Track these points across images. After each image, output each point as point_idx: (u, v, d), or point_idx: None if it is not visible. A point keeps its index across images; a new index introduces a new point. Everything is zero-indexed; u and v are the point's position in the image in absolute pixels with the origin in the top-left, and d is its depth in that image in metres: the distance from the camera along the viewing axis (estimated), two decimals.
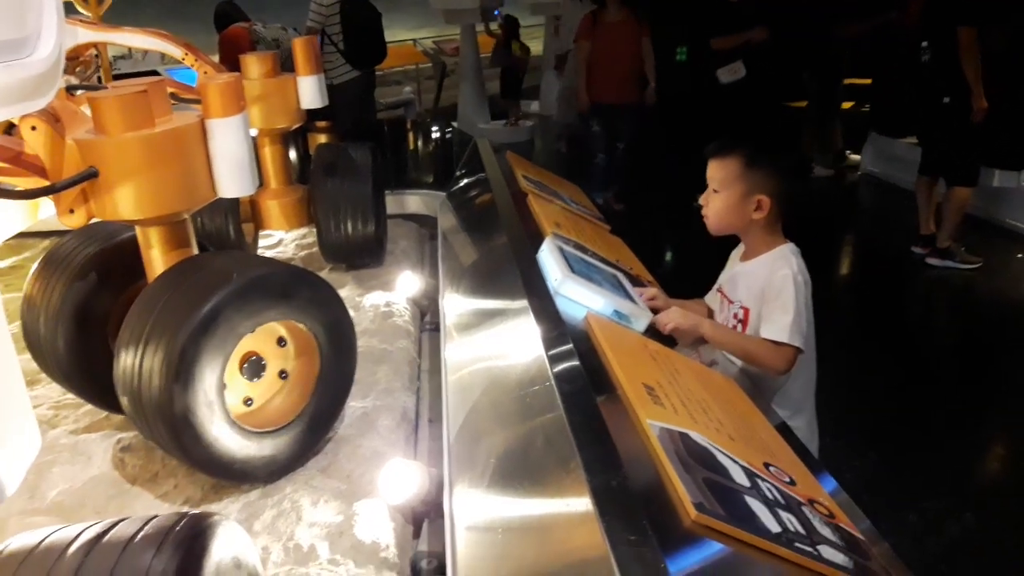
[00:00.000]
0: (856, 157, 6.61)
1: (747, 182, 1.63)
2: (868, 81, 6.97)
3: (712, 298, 1.87)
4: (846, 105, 6.81)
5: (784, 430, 1.51)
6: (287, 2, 6.56)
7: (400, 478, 1.57)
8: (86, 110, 1.64)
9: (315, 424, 1.69)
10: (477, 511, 1.32)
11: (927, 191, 4.66)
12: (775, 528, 1.00)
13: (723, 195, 1.64)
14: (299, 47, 2.73)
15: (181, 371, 1.45)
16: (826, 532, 1.08)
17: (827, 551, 1.02)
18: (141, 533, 0.78)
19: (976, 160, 4.49)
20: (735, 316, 1.73)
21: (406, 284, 2.70)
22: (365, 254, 2.88)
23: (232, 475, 1.59)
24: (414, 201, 3.59)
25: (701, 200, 1.68)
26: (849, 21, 6.06)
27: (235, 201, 2.80)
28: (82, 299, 1.79)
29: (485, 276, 2.18)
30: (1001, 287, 4.55)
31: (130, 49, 6.95)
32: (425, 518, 1.60)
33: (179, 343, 1.44)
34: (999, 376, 3.60)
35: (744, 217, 1.65)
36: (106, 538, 0.78)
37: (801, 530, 1.04)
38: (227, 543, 0.84)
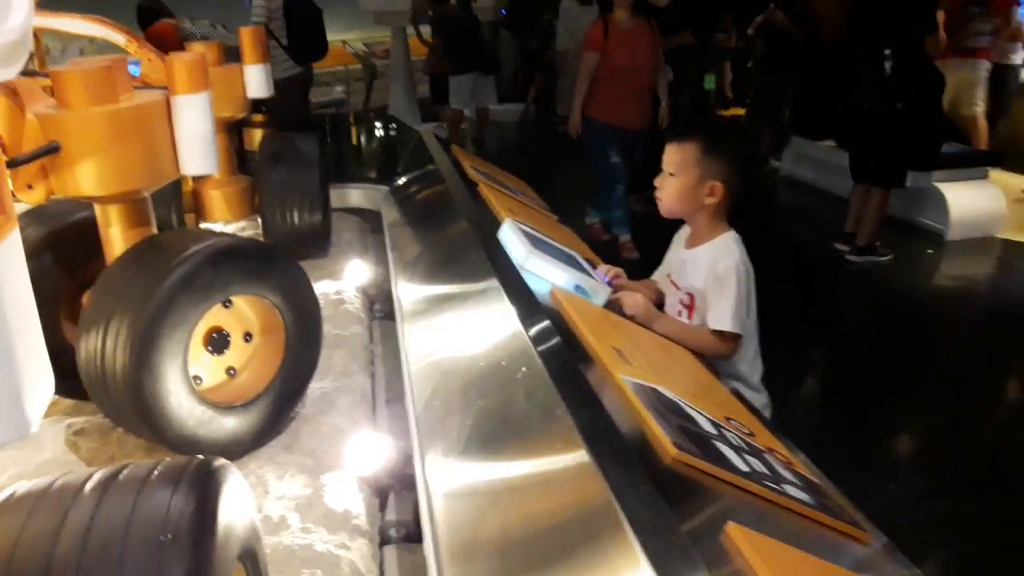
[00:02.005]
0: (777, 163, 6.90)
1: (702, 168, 1.71)
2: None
3: (661, 280, 1.96)
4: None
5: (738, 397, 1.59)
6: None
7: (367, 450, 1.60)
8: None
9: (281, 400, 1.69)
10: (454, 477, 1.35)
11: (864, 197, 4.91)
12: (744, 468, 1.08)
13: (678, 179, 1.72)
14: (246, 36, 2.72)
15: (145, 349, 1.43)
16: (787, 475, 1.16)
17: (791, 489, 1.10)
18: (155, 473, 0.80)
19: (904, 164, 4.77)
20: (681, 302, 1.82)
21: (354, 273, 2.71)
22: (311, 244, 2.87)
23: (199, 451, 1.58)
24: (356, 195, 3.59)
25: (656, 183, 1.76)
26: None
27: (178, 191, 2.76)
28: (33, 281, 1.76)
29: (442, 261, 2.22)
30: (913, 279, 4.84)
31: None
32: (391, 491, 1.62)
33: (143, 321, 1.43)
34: (916, 357, 3.85)
35: (696, 201, 1.73)
36: (120, 478, 0.79)
37: (766, 471, 1.12)
38: (236, 484, 0.86)
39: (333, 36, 9.82)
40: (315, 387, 1.89)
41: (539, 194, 3.19)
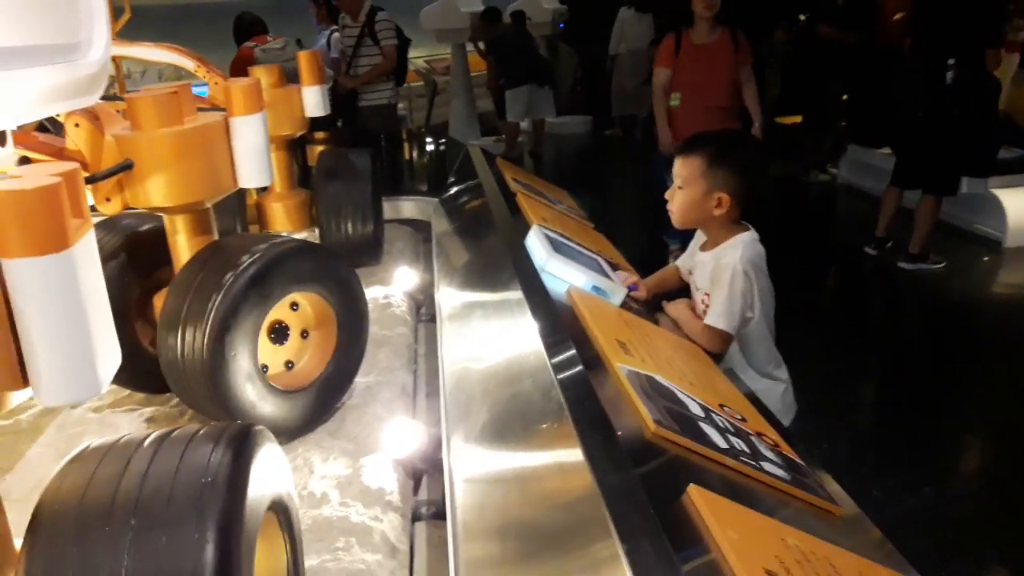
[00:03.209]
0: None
1: (709, 180, 1.79)
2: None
3: (684, 272, 2.07)
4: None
5: (752, 399, 1.68)
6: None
7: (403, 436, 1.76)
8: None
9: (334, 386, 1.90)
10: (472, 462, 1.50)
11: (895, 201, 4.91)
12: (724, 445, 1.19)
13: (687, 191, 1.82)
14: (304, 60, 2.93)
15: (222, 341, 1.60)
16: (769, 455, 1.27)
17: (769, 467, 1.21)
18: (201, 432, 0.96)
19: (958, 171, 4.76)
20: (702, 301, 1.92)
21: (403, 279, 2.89)
22: (364, 253, 3.06)
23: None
24: (408, 207, 3.78)
25: (667, 196, 1.87)
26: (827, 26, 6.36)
27: (243, 204, 2.99)
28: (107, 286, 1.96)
29: (477, 267, 2.38)
30: (969, 287, 4.80)
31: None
32: (424, 474, 1.78)
33: (220, 314, 1.60)
34: (970, 365, 3.84)
35: (705, 213, 1.83)
36: (172, 436, 0.95)
37: (747, 450, 1.23)
38: (269, 446, 1.02)
39: None
40: (360, 381, 2.06)
41: (588, 202, 3.33)
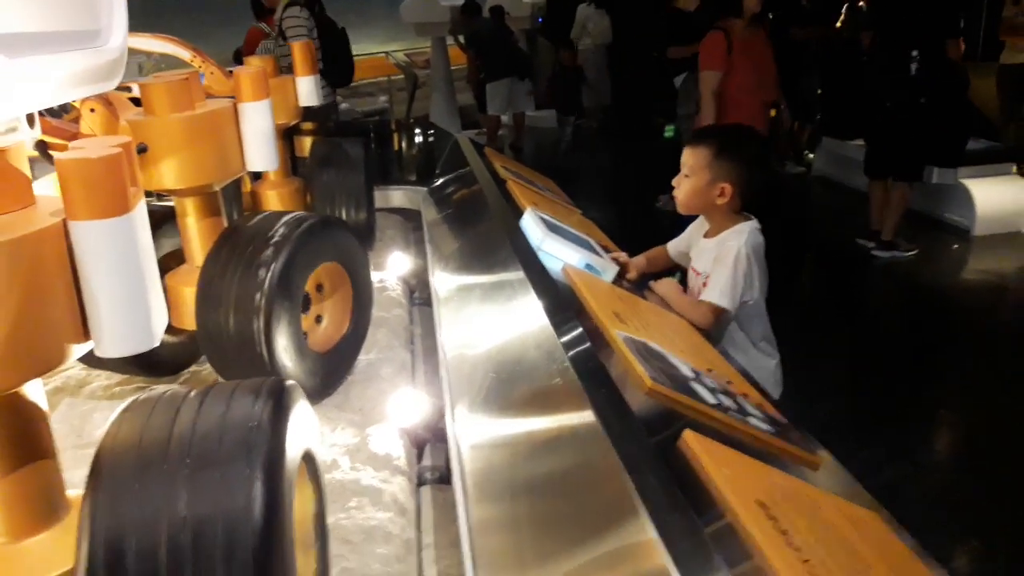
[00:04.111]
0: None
1: (714, 170, 1.90)
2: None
3: (675, 253, 2.18)
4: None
5: (739, 368, 1.79)
6: None
7: (407, 404, 1.85)
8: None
9: (354, 345, 2.04)
10: (477, 430, 1.59)
11: (882, 192, 5.07)
12: (713, 401, 1.30)
13: (692, 180, 1.93)
14: (298, 50, 3.00)
15: (274, 311, 1.68)
16: (755, 411, 1.38)
17: (753, 421, 1.32)
18: (242, 385, 1.05)
19: (922, 158, 4.93)
20: (703, 284, 2.03)
21: (396, 264, 2.97)
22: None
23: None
24: (398, 196, 3.86)
25: (674, 182, 1.98)
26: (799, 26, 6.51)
27: (238, 191, 3.05)
28: None
29: (471, 250, 2.47)
30: (939, 273, 4.97)
31: None
32: (427, 442, 1.87)
33: (269, 290, 1.67)
34: (939, 348, 4.00)
35: (709, 201, 1.94)
36: (215, 389, 1.04)
37: (734, 406, 1.34)
38: (301, 399, 1.11)
39: (376, 48, 10.22)
40: (362, 359, 2.14)
41: (574, 190, 3.43)
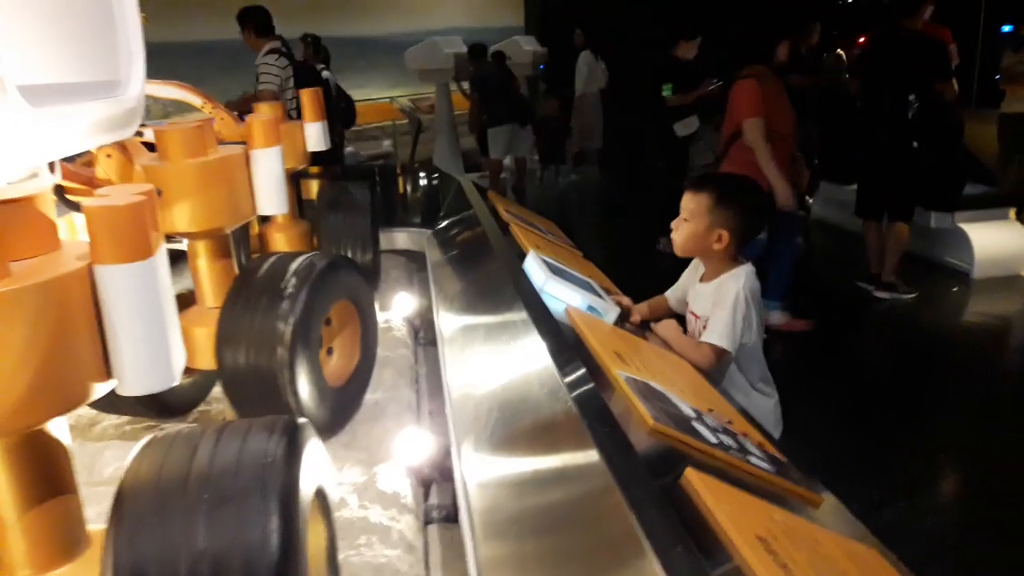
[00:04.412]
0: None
1: (713, 216, 1.96)
2: None
3: (675, 305, 2.22)
4: None
5: (744, 413, 1.82)
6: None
7: (413, 444, 1.88)
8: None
9: (364, 378, 2.11)
10: (483, 469, 1.62)
11: (876, 234, 5.12)
12: (714, 440, 1.33)
13: (691, 224, 1.98)
14: (306, 97, 3.08)
15: (294, 354, 1.73)
16: (755, 451, 1.40)
17: (755, 460, 1.34)
18: (256, 423, 1.08)
19: (913, 199, 5.00)
20: (703, 327, 2.07)
21: (401, 305, 3.02)
22: None
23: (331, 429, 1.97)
24: (402, 237, 3.92)
25: (673, 225, 2.03)
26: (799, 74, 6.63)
27: (246, 233, 3.11)
28: None
29: (475, 291, 2.51)
30: (939, 316, 5.01)
31: None
32: (433, 481, 1.89)
33: (292, 330, 1.73)
34: (939, 391, 4.02)
35: (706, 246, 1.99)
36: (231, 426, 1.07)
37: (735, 445, 1.37)
38: (313, 437, 1.15)
39: (381, 93, 10.40)
40: (368, 398, 2.17)
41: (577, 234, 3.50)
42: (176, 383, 1.02)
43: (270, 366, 1.73)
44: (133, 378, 0.97)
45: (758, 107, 4.15)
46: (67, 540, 1.03)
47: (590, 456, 1.17)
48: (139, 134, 2.37)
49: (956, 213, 5.39)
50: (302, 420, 1.15)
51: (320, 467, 1.16)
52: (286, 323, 1.72)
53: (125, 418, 2.26)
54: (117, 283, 0.94)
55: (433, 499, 1.83)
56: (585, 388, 1.35)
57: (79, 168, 1.97)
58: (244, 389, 1.80)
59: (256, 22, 5.28)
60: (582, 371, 1.42)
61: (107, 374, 0.98)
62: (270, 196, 1.97)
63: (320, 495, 1.18)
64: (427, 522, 1.76)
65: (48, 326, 0.91)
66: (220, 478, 0.98)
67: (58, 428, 1.02)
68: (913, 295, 5.03)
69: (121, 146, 1.90)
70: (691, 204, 1.99)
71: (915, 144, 4.76)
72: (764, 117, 4.13)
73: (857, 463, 3.28)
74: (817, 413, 3.62)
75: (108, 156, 1.85)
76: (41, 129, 1.04)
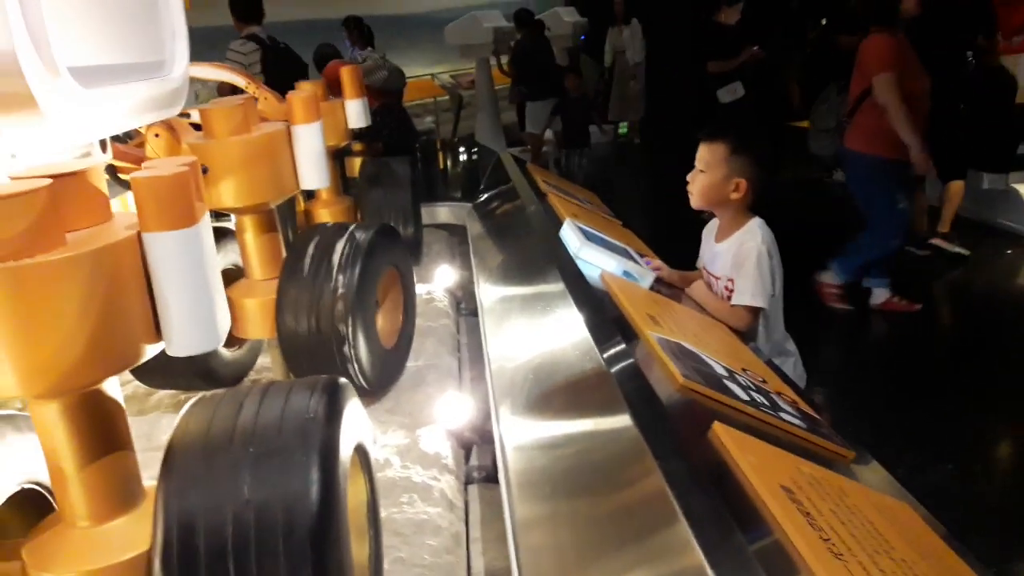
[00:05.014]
0: None
1: (729, 166, 1.97)
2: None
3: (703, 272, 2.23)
4: None
5: (771, 365, 1.84)
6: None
7: (454, 408, 1.93)
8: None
9: (409, 339, 2.23)
10: (521, 432, 1.66)
11: (920, 195, 5.04)
12: (745, 398, 1.35)
13: (708, 175, 1.99)
14: (345, 74, 3.13)
15: (354, 317, 1.85)
16: (788, 408, 1.42)
17: (787, 416, 1.36)
18: (298, 383, 1.14)
19: (965, 159, 4.93)
20: (726, 288, 2.08)
21: (442, 277, 3.07)
22: None
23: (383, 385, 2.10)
24: (444, 212, 3.97)
25: (689, 178, 2.04)
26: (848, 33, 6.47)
27: (293, 210, 3.19)
28: None
29: (514, 261, 2.55)
30: (993, 278, 4.90)
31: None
32: (474, 444, 1.94)
33: (352, 291, 1.85)
34: (991, 353, 3.95)
35: (723, 196, 2.00)
36: (275, 386, 1.13)
37: (767, 403, 1.38)
38: (353, 397, 1.20)
39: (422, 70, 10.43)
40: (410, 366, 2.23)
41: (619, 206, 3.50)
42: (220, 344, 1.08)
43: (330, 338, 1.84)
44: (180, 339, 1.02)
45: (891, 62, 3.84)
46: (123, 493, 1.10)
47: (621, 416, 1.20)
48: (187, 115, 2.46)
49: (1010, 174, 5.25)
50: (342, 380, 1.20)
51: (360, 425, 1.22)
52: (347, 287, 1.84)
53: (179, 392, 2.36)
54: (164, 249, 1.00)
55: (474, 461, 1.88)
56: (616, 350, 1.38)
57: (130, 148, 2.05)
58: (304, 353, 1.90)
59: (237, 8, 5.42)
60: (614, 334, 1.44)
61: (156, 336, 1.04)
62: (312, 171, 2.02)
63: (360, 451, 1.24)
64: (468, 482, 1.81)
65: (101, 291, 0.97)
66: (264, 433, 1.03)
67: (112, 388, 1.08)
68: (966, 253, 4.96)
69: (168, 126, 1.96)
70: (707, 154, 1.99)
71: (962, 105, 4.66)
72: (897, 73, 3.83)
73: (904, 426, 3.25)
74: (867, 373, 3.60)
75: (156, 136, 1.91)
76: (91, 108, 1.10)
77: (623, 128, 8.22)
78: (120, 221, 1.08)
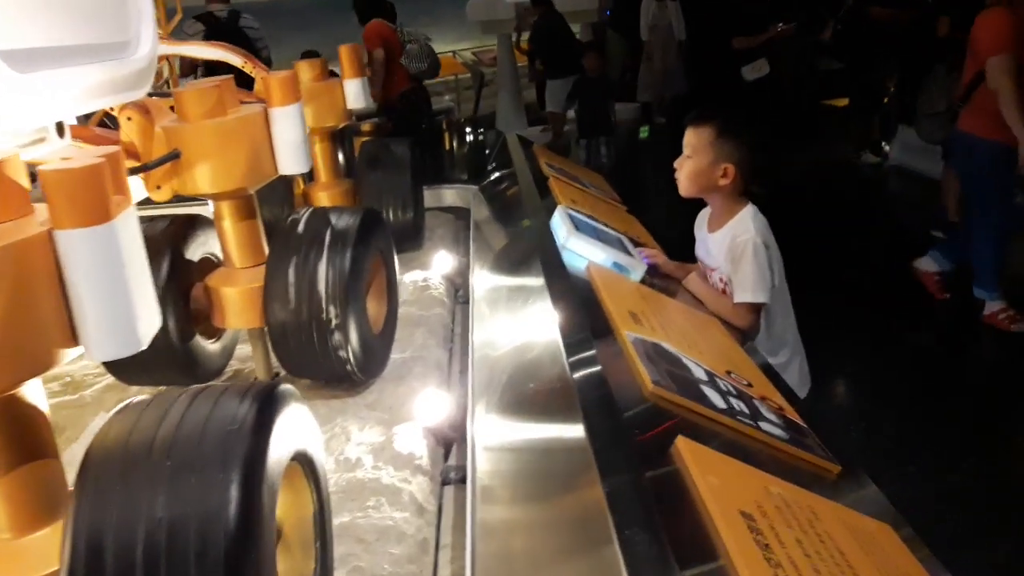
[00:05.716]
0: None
1: (716, 150, 1.88)
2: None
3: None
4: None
5: (768, 370, 1.74)
6: None
7: (433, 404, 1.86)
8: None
9: (393, 324, 2.18)
10: (490, 432, 1.59)
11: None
12: (722, 405, 1.26)
13: (695, 160, 1.90)
14: (344, 53, 3.04)
15: (350, 300, 1.82)
16: (770, 416, 1.33)
17: (767, 426, 1.27)
18: (230, 388, 1.07)
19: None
20: (721, 280, 1.98)
21: (441, 263, 2.99)
22: (405, 239, 3.17)
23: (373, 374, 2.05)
24: (450, 194, 3.88)
25: (676, 164, 1.94)
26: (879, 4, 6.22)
27: (290, 194, 3.12)
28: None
29: (505, 250, 2.47)
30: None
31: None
32: (454, 442, 1.87)
33: (343, 278, 1.81)
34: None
35: (711, 182, 1.91)
36: (206, 391, 1.06)
37: (746, 411, 1.29)
38: (294, 402, 1.12)
39: (444, 47, 10.31)
40: (395, 357, 2.16)
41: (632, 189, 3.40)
42: (143, 348, 1.01)
43: (323, 330, 1.81)
44: (97, 344, 0.96)
45: (1008, 41, 3.40)
46: (46, 504, 1.04)
47: (575, 427, 1.12)
48: (168, 96, 2.39)
49: None
50: (283, 386, 1.13)
51: (303, 432, 1.15)
52: (338, 273, 1.81)
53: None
54: (75, 247, 0.93)
55: (452, 460, 1.81)
56: (584, 354, 1.30)
57: (104, 132, 1.99)
58: (298, 353, 1.87)
59: None
60: (584, 334, 1.36)
61: (74, 339, 0.98)
62: (290, 155, 1.94)
63: (304, 460, 1.17)
64: (444, 483, 1.74)
65: (9, 291, 0.91)
66: (184, 445, 0.96)
67: (32, 394, 1.03)
68: None
69: (143, 108, 1.89)
70: (693, 139, 1.91)
71: None
72: (1015, 54, 3.40)
73: (930, 415, 3.12)
74: (887, 363, 3.48)
75: (129, 119, 1.85)
76: (29, 94, 1.03)
77: (644, 131, 8.03)
78: (38, 216, 1.01)
